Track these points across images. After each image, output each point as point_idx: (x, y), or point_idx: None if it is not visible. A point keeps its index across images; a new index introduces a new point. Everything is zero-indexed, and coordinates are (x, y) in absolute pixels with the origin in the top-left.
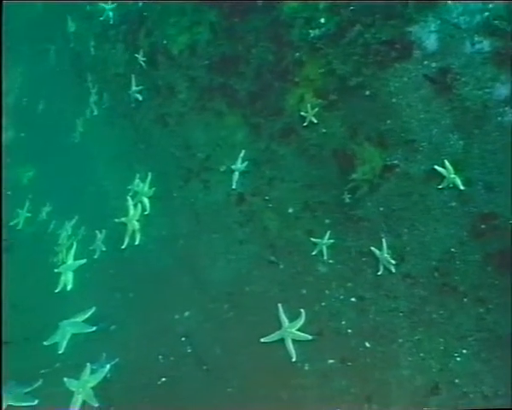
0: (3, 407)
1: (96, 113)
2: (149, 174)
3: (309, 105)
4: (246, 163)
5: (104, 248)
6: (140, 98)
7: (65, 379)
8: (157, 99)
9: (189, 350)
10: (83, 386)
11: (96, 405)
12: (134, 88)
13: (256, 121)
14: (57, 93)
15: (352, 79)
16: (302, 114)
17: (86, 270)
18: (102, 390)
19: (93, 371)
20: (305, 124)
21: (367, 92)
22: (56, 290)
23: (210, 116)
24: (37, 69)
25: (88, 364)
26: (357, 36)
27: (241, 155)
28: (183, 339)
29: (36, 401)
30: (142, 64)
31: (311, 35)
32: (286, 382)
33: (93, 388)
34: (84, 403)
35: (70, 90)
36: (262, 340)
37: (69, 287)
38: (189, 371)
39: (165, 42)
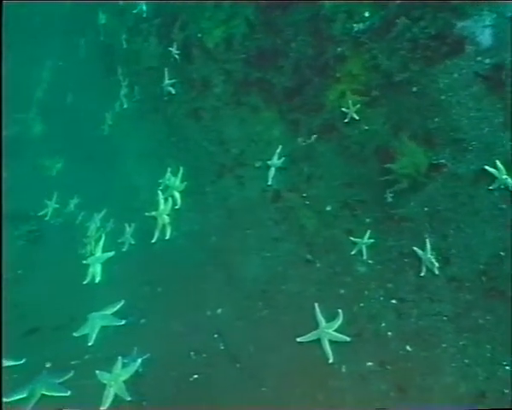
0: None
1: (126, 106)
2: (181, 168)
3: (350, 101)
4: (282, 159)
5: (133, 242)
6: (173, 92)
7: (97, 372)
8: (191, 93)
9: (222, 347)
10: (115, 379)
11: (128, 399)
12: (167, 81)
13: (294, 117)
14: (86, 86)
15: (397, 74)
16: (343, 110)
17: (115, 263)
18: (134, 385)
19: (125, 365)
20: (346, 120)
21: (414, 89)
22: (84, 282)
23: (245, 111)
24: (67, 62)
25: (119, 357)
26: (405, 30)
27: (278, 150)
28: (215, 336)
29: (68, 392)
30: (176, 57)
31: (355, 29)
32: (322, 383)
33: (125, 381)
34: (115, 396)
35: (99, 84)
36: (298, 340)
37: (97, 279)
38: (222, 368)
39: (199, 35)
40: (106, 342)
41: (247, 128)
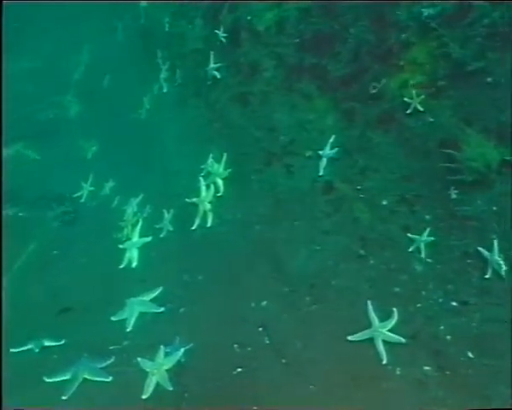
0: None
1: (165, 90)
2: (224, 155)
3: (414, 91)
4: (336, 149)
5: (171, 228)
6: (218, 76)
7: (138, 359)
8: (237, 77)
9: (267, 341)
10: (158, 368)
11: (170, 389)
12: (212, 65)
13: (349, 106)
14: (123, 70)
15: (471, 64)
16: (405, 100)
17: (152, 248)
18: (176, 375)
19: (167, 354)
20: (408, 111)
21: (488, 79)
22: (121, 266)
23: (297, 98)
24: (104, 46)
25: (162, 346)
26: (482, 16)
27: (331, 140)
28: (260, 329)
29: (110, 378)
30: (223, 40)
31: (425, 14)
32: (375, 385)
33: (167, 371)
34: (157, 385)
35: (137, 67)
36: (349, 338)
37: (134, 264)
38: (267, 363)
39: (249, 18)
40: (144, 329)
41: (299, 115)
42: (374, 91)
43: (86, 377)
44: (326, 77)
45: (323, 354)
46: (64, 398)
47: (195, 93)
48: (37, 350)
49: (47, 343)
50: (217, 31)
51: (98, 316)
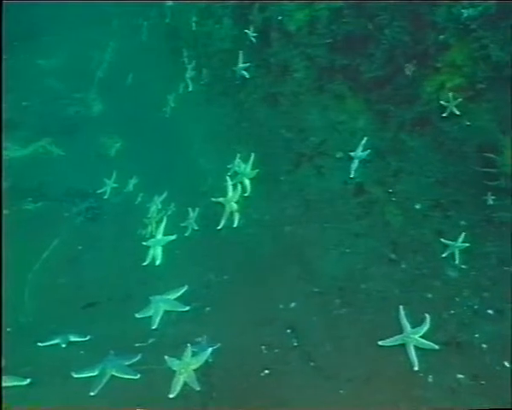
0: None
1: (191, 88)
2: (252, 155)
3: (451, 94)
4: (368, 151)
5: (196, 227)
6: (246, 76)
7: (166, 357)
8: (267, 77)
9: (295, 344)
10: (185, 367)
11: (198, 389)
12: (241, 65)
13: (383, 108)
14: (147, 68)
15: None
16: (442, 103)
17: (176, 246)
18: (203, 375)
19: (194, 354)
20: (444, 114)
21: None
22: (144, 263)
23: (328, 99)
24: (128, 44)
25: (189, 345)
26: None
27: (363, 142)
28: (288, 331)
29: (138, 376)
30: (253, 40)
31: (464, 15)
32: (406, 392)
33: (195, 370)
34: (184, 385)
35: (161, 66)
36: (380, 343)
37: (158, 262)
38: (295, 366)
39: (280, 17)
40: (170, 328)
41: (330, 116)
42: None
43: (114, 374)
44: (358, 78)
45: (353, 358)
46: (92, 394)
47: (223, 92)
48: (63, 345)
49: (73, 339)
50: (246, 30)
51: (122, 312)
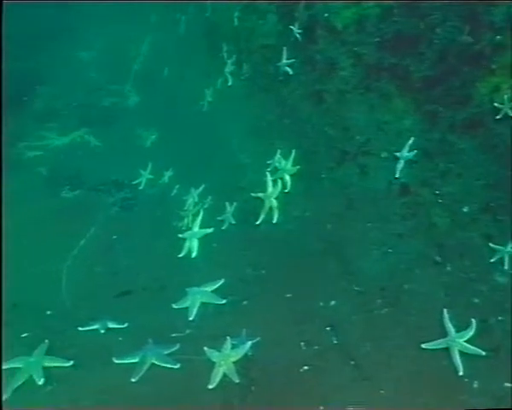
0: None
1: (230, 83)
2: (293, 151)
3: (506, 96)
4: (414, 152)
5: (233, 222)
6: (290, 72)
7: (205, 348)
8: (312, 74)
9: (335, 342)
10: (225, 359)
11: (237, 381)
12: (284, 61)
13: (431, 108)
14: (184, 62)
15: None
16: (496, 105)
17: (213, 240)
18: (243, 368)
19: (233, 346)
20: (498, 117)
21: None
22: (180, 255)
23: (375, 98)
24: (166, 38)
25: (228, 337)
26: None
27: (410, 142)
28: (327, 329)
29: (178, 365)
30: (298, 37)
31: None
32: (450, 396)
33: (234, 363)
34: (223, 376)
35: (198, 60)
36: (423, 346)
37: (194, 254)
38: (335, 363)
39: (326, 15)
40: (207, 320)
41: (376, 116)
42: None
43: (154, 362)
44: (407, 77)
45: (394, 359)
46: (133, 380)
47: (264, 88)
48: (102, 331)
49: (111, 325)
50: (292, 26)
51: (158, 303)
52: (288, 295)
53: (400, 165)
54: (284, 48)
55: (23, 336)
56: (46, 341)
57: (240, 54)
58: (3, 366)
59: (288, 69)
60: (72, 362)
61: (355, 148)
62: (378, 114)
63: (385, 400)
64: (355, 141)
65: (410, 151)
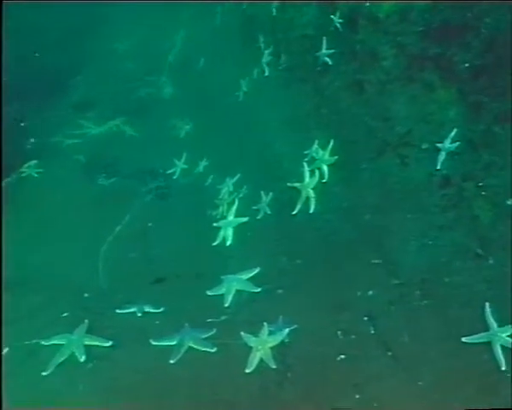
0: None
1: (267, 73)
2: (331, 141)
3: None
4: (457, 143)
5: (269, 211)
6: (329, 62)
7: (242, 333)
8: (352, 64)
9: (372, 332)
10: (262, 344)
11: (273, 367)
12: (324, 51)
13: (476, 99)
14: (220, 53)
15: None
16: None
17: (248, 229)
18: (279, 354)
19: (270, 333)
20: None
21: None
22: (214, 244)
23: (417, 88)
24: (201, 29)
25: (265, 323)
26: None
27: (452, 134)
28: (365, 318)
29: (214, 349)
30: (338, 26)
31: None
32: (492, 391)
33: (271, 348)
34: (260, 362)
35: (234, 51)
36: (464, 339)
37: (228, 242)
38: (372, 353)
39: (368, 4)
40: (242, 307)
41: (418, 106)
42: None
43: (191, 345)
44: (452, 68)
45: (433, 351)
46: (171, 362)
47: (302, 78)
48: (139, 314)
49: (147, 309)
50: (332, 16)
51: (192, 289)
52: (325, 285)
53: (442, 156)
54: (324, 38)
55: (64, 315)
56: (86, 321)
57: (277, 44)
58: (46, 343)
59: (327, 59)
60: (111, 342)
61: (396, 138)
62: (420, 104)
63: (423, 392)
64: (396, 131)
65: (452, 142)
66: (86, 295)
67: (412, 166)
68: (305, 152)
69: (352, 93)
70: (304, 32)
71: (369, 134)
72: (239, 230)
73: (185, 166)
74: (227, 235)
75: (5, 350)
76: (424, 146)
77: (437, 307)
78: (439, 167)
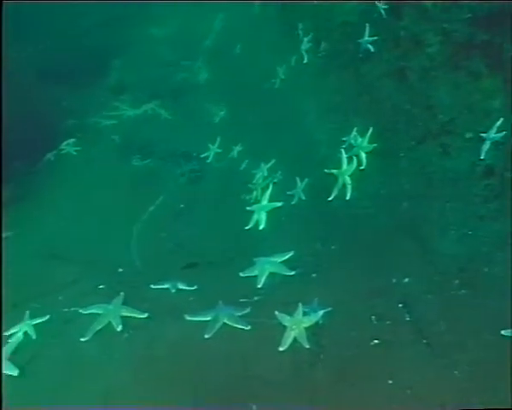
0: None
1: (306, 61)
2: (370, 128)
3: None
4: (503, 133)
5: (303, 197)
6: (371, 49)
7: (276, 312)
8: (395, 51)
9: (408, 319)
10: (297, 324)
11: (307, 347)
12: (366, 38)
13: None
14: (256, 40)
15: None
16: None
17: (282, 214)
18: (314, 335)
19: (305, 314)
20: None
21: None
22: (247, 227)
23: (462, 76)
24: (239, 16)
25: (300, 304)
26: None
27: (498, 123)
28: (400, 305)
29: (248, 327)
30: (382, 12)
31: None
32: None
33: (305, 329)
34: (294, 341)
35: (271, 39)
36: (503, 332)
37: (261, 226)
38: (406, 340)
39: None
40: (275, 289)
41: (462, 95)
42: None
43: (226, 322)
44: (499, 56)
45: (470, 342)
46: (206, 337)
47: (342, 65)
48: (173, 291)
49: (181, 286)
50: (377, 2)
51: (224, 270)
52: (360, 271)
53: (486, 146)
54: (367, 24)
55: (100, 287)
56: (122, 293)
57: (317, 31)
58: (85, 311)
59: (369, 46)
60: (147, 314)
61: (438, 127)
62: (465, 93)
63: (458, 381)
64: (438, 120)
65: (497, 132)
66: (120, 270)
67: (454, 155)
68: (343, 139)
69: (394, 80)
70: (345, 19)
71: (409, 122)
72: (273, 214)
73: (219, 151)
74: (260, 219)
75: (46, 317)
76: (467, 135)
77: (475, 297)
78: (482, 157)
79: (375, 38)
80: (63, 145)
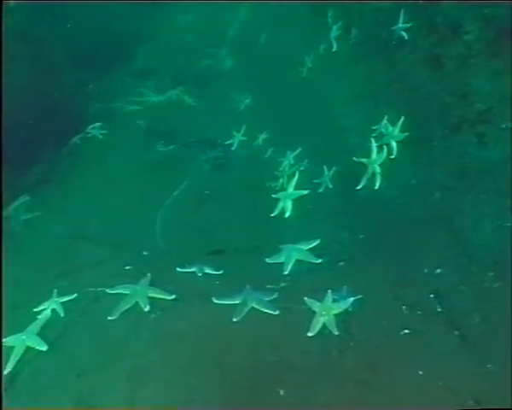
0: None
1: (335, 49)
2: (402, 117)
3: None
4: None
5: (331, 186)
6: (405, 36)
7: (305, 298)
8: (430, 38)
9: (439, 309)
10: (327, 310)
11: (336, 333)
12: (400, 25)
13: None
14: (283, 29)
15: None
16: None
17: (308, 202)
18: (343, 322)
19: (334, 301)
20: None
21: None
22: (272, 215)
23: (501, 64)
24: (264, 4)
25: (329, 290)
26: None
27: None
28: (431, 296)
29: (277, 312)
30: None
31: None
32: None
33: (335, 315)
34: (323, 327)
35: (299, 27)
36: None
37: (287, 214)
38: (438, 331)
39: None
40: (301, 276)
41: (501, 83)
42: None
43: (254, 306)
44: None
45: (505, 335)
46: (235, 320)
47: (374, 53)
48: (200, 274)
49: (207, 271)
50: None
51: (250, 257)
52: (389, 260)
53: None
54: (402, 10)
55: (127, 268)
56: (148, 274)
57: (348, 18)
58: (112, 291)
59: (403, 33)
60: (174, 296)
61: (474, 116)
62: (503, 81)
63: (491, 375)
64: (474, 109)
65: None
66: (145, 253)
67: (490, 145)
68: (374, 127)
69: (428, 68)
70: (378, 6)
71: (443, 111)
72: (299, 202)
73: (244, 139)
74: (286, 207)
75: (74, 295)
76: (504, 125)
77: (510, 290)
78: None
79: (410, 24)
80: (89, 129)
